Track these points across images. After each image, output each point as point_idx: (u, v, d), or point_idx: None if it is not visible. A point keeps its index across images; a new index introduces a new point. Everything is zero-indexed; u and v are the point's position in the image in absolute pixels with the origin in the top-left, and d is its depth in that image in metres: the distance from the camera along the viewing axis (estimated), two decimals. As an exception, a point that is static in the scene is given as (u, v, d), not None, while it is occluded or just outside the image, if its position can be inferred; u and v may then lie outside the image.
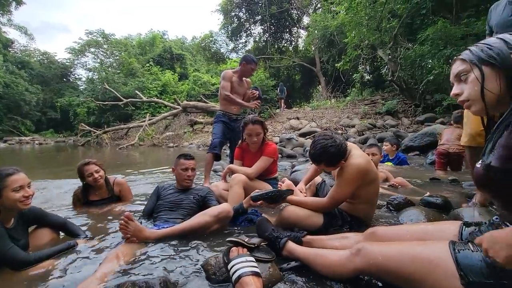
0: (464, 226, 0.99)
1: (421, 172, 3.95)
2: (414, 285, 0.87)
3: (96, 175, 2.29)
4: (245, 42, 22.01)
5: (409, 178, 3.23)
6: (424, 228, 1.10)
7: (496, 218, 0.90)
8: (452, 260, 0.81)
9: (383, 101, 11.20)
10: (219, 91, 3.25)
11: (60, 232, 1.73)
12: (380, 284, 1.08)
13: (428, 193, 2.22)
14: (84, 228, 1.86)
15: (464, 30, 6.76)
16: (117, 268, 1.25)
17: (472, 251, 0.82)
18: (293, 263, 1.24)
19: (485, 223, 0.94)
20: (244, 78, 3.32)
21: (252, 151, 2.49)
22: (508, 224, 0.82)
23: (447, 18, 7.44)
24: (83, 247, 1.54)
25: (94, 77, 26.04)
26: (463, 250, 0.83)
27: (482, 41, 0.84)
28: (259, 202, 1.69)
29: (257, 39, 21.59)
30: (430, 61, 7.75)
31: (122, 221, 1.45)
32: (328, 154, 1.48)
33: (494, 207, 1.71)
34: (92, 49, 27.80)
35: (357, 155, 1.55)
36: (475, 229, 0.94)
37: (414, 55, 7.98)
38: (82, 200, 2.38)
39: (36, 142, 21.29)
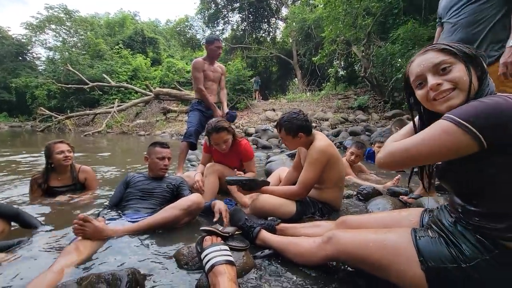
0: (424, 213, 1.06)
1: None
2: (380, 270, 0.92)
3: (67, 154, 2.18)
4: (222, 29, 21.38)
5: (376, 169, 3.41)
6: (391, 215, 1.16)
7: (447, 204, 0.98)
8: (413, 247, 0.86)
9: (355, 97, 11.61)
10: (193, 81, 3.15)
11: (11, 223, 1.57)
12: (348, 269, 1.13)
13: (391, 182, 2.43)
14: (42, 218, 1.71)
15: (431, 32, 7.15)
16: (78, 261, 1.15)
17: (432, 237, 0.87)
18: (267, 251, 1.25)
19: (438, 207, 1.02)
20: (218, 65, 3.24)
21: None
22: (452, 209, 0.90)
23: (417, 19, 7.83)
24: (40, 239, 1.41)
25: (55, 57, 23.89)
26: (424, 237, 0.88)
27: (453, 42, 0.87)
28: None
29: (234, 27, 21.09)
30: (399, 60, 8.12)
31: (77, 225, 1.27)
32: (291, 123, 1.67)
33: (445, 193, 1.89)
34: (53, 26, 25.35)
35: (320, 139, 1.69)
36: (430, 215, 1.02)
37: (385, 53, 8.32)
38: (42, 185, 2.19)
39: (-13, 126, 19.22)
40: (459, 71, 0.81)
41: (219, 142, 2.13)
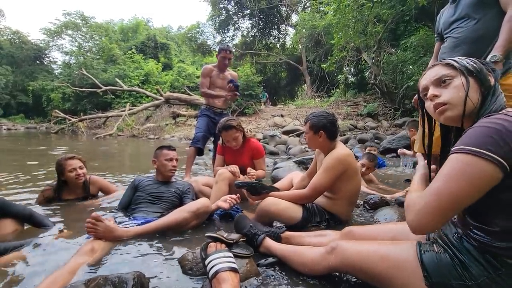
0: None
1: (397, 174, 4.11)
2: (383, 283, 0.91)
3: (79, 171, 2.11)
4: (233, 35, 21.74)
5: (384, 179, 3.36)
6: (397, 227, 1.14)
7: (454, 218, 0.96)
8: (417, 261, 0.85)
9: (365, 103, 11.53)
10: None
11: (24, 223, 1.62)
12: (352, 280, 1.11)
13: (401, 193, 2.39)
14: (54, 219, 1.76)
15: (443, 39, 7.06)
16: (89, 262, 1.19)
17: (437, 253, 0.86)
18: (270, 259, 1.25)
19: None
20: (229, 72, 3.27)
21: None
22: (460, 225, 0.88)
23: (429, 27, 7.75)
24: (51, 239, 1.46)
25: (71, 61, 24.77)
26: (428, 251, 0.87)
27: (461, 57, 0.88)
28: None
29: (244, 34, 21.41)
30: (410, 67, 8.05)
31: (89, 224, 1.32)
32: (317, 119, 1.69)
33: None
34: (70, 32, 26.39)
35: (340, 148, 1.69)
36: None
37: (396, 60, 8.26)
38: (54, 199, 2.15)
39: (4, 127, 20.06)
40: (455, 86, 0.83)
41: (229, 139, 2.31)
